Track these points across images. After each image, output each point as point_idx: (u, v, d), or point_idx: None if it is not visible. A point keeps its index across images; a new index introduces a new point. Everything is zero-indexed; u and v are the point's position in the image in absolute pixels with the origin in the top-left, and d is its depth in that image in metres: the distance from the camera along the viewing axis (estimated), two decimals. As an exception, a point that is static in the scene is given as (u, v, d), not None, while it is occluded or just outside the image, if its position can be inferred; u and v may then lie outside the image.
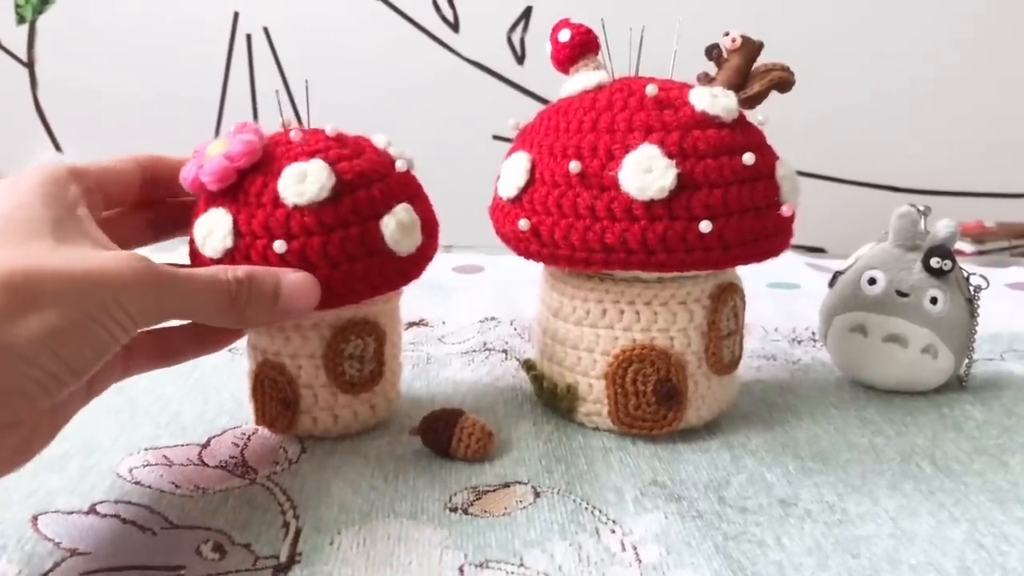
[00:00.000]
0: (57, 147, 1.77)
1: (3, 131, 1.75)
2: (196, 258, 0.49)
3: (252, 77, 1.75)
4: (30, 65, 1.75)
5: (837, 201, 1.83)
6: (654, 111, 0.49)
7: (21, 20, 1.73)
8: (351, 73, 1.71)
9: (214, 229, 0.47)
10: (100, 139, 1.77)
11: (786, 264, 0.90)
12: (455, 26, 1.72)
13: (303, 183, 0.46)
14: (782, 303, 0.79)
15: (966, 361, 0.61)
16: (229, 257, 0.47)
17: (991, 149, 1.81)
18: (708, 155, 0.48)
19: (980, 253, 1.57)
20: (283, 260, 0.46)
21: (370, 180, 0.48)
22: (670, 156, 0.47)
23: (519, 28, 1.71)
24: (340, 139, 0.50)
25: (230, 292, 0.42)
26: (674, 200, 0.47)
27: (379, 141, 0.52)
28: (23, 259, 0.35)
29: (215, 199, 0.48)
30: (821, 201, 1.81)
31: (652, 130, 0.48)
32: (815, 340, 0.70)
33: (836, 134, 1.80)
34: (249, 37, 1.75)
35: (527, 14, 1.71)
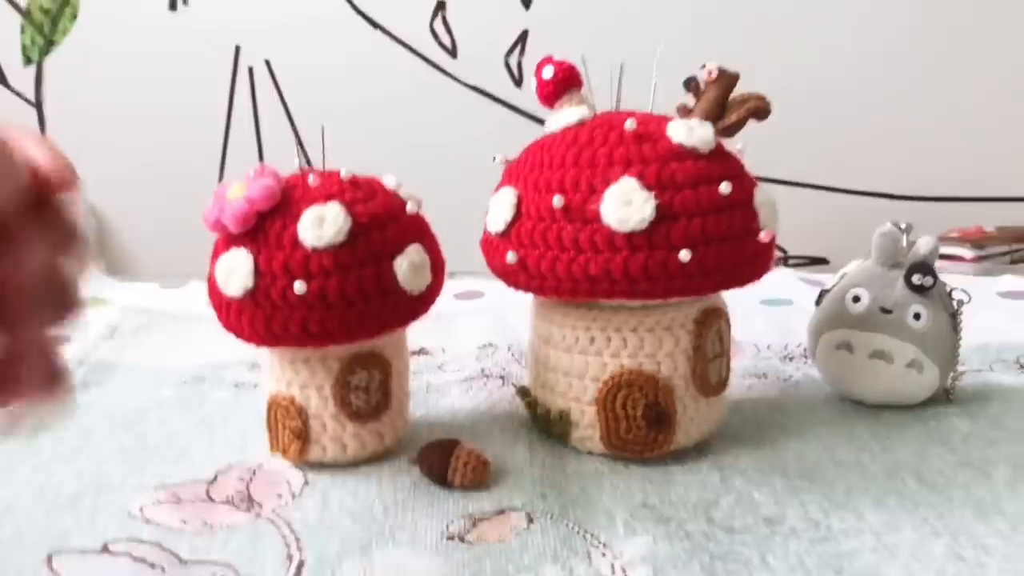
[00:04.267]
0: (67, 184, 1.80)
1: (14, 169, 1.78)
2: (216, 296, 0.51)
3: (255, 109, 1.77)
4: (38, 105, 1.78)
5: (837, 211, 1.83)
6: (633, 145, 0.51)
7: (28, 61, 1.76)
8: (352, 102, 1.73)
9: (235, 269, 0.49)
10: (109, 175, 1.80)
11: (779, 280, 0.91)
12: (453, 52, 1.75)
13: (321, 227, 0.49)
14: (775, 320, 0.81)
15: (952, 374, 0.62)
16: (250, 296, 0.49)
17: (990, 153, 1.82)
18: (686, 186, 0.50)
19: (980, 259, 1.57)
20: (302, 300, 0.48)
21: (384, 222, 0.51)
22: (649, 188, 0.49)
23: (516, 52, 1.73)
24: (354, 182, 0.52)
25: None
26: (654, 231, 0.49)
27: (390, 182, 0.54)
28: None
29: (236, 239, 0.50)
30: (821, 212, 1.82)
31: (631, 164, 0.50)
32: (806, 356, 0.72)
33: (834, 144, 1.82)
34: (251, 70, 1.77)
35: (523, 38, 1.73)
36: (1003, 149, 1.81)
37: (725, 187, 0.50)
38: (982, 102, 1.80)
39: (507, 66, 1.75)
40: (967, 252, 1.62)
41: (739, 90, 0.56)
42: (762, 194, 0.53)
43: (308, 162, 0.55)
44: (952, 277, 0.90)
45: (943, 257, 1.64)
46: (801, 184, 1.82)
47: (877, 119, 1.80)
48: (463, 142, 1.69)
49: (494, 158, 0.57)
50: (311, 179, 0.51)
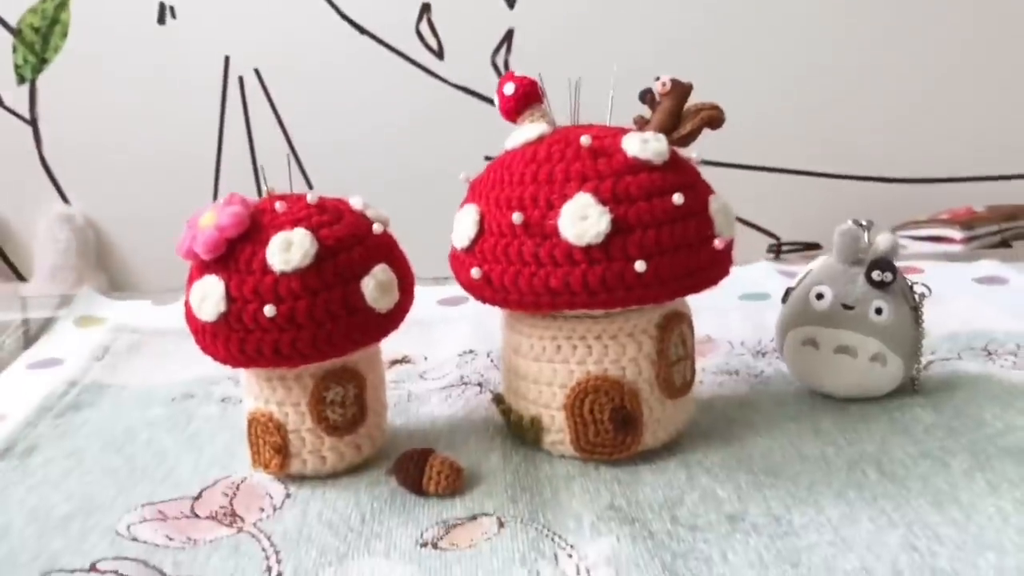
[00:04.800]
0: (64, 199, 1.83)
1: (12, 185, 1.81)
2: (191, 320, 0.53)
3: (247, 119, 1.79)
4: (33, 123, 1.81)
5: (830, 196, 1.85)
6: (589, 160, 0.52)
7: (21, 80, 1.78)
8: (342, 106, 1.75)
9: (208, 295, 0.51)
10: (105, 189, 1.83)
11: (759, 274, 0.93)
12: (439, 53, 1.77)
13: (288, 251, 0.51)
14: (750, 315, 0.82)
15: (916, 366, 0.63)
16: (223, 320, 0.51)
17: (979, 133, 1.82)
18: (640, 198, 0.51)
19: (970, 239, 1.58)
20: (273, 322, 0.50)
21: (350, 244, 0.53)
22: (604, 203, 0.51)
23: (502, 51, 1.75)
24: (321, 205, 0.54)
25: None
26: (610, 243, 0.51)
27: (356, 203, 0.56)
28: None
29: (208, 266, 0.52)
30: (815, 197, 1.83)
31: (587, 179, 0.52)
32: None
33: (823, 129, 1.83)
34: (241, 79, 1.79)
35: (509, 36, 1.75)
36: (992, 129, 1.81)
37: (678, 198, 0.51)
38: (971, 84, 1.80)
39: (494, 65, 1.77)
40: (957, 233, 1.63)
41: (694, 99, 0.58)
42: (717, 202, 0.55)
43: (265, 187, 0.56)
44: (928, 264, 0.92)
45: (933, 239, 1.65)
46: (794, 171, 1.84)
47: (867, 104, 1.82)
48: (451, 142, 1.72)
49: (461, 176, 0.59)
50: (278, 205, 0.53)
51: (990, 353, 0.71)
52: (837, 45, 1.78)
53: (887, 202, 1.79)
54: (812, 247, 1.81)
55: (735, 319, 0.81)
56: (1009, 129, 1.80)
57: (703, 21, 1.70)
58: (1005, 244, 1.64)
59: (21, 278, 1.83)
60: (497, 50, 1.75)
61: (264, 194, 0.55)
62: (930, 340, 0.65)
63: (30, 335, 0.88)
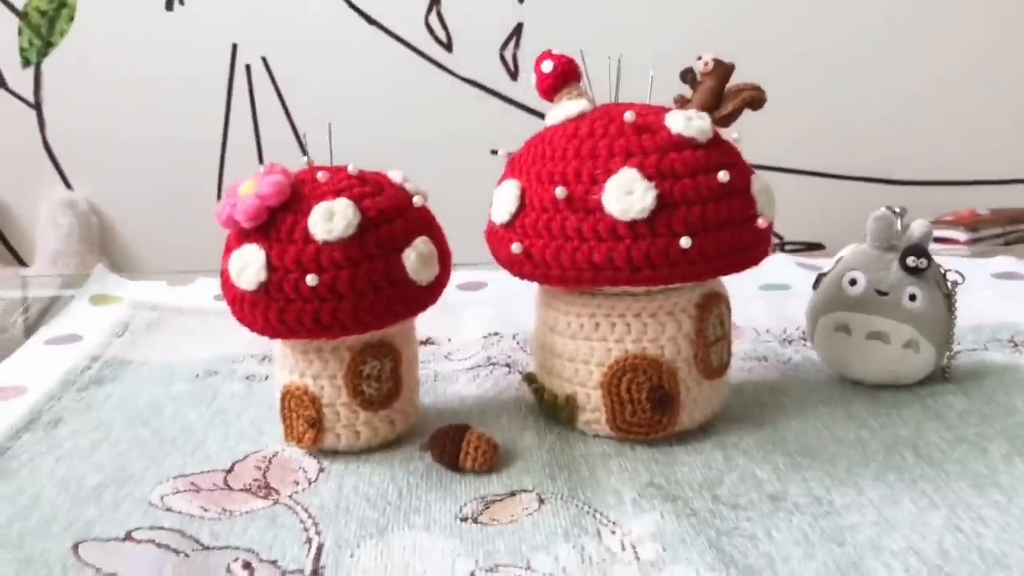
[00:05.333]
0: (68, 184, 1.81)
1: (15, 170, 1.79)
2: (228, 290, 0.53)
3: (253, 107, 1.79)
4: (37, 107, 1.80)
5: (833, 197, 1.85)
6: (633, 136, 0.52)
7: (27, 63, 1.77)
8: (349, 97, 1.75)
9: (249, 263, 0.51)
10: (109, 174, 1.81)
11: (777, 265, 0.93)
12: (448, 46, 1.76)
13: (331, 221, 0.50)
14: (773, 304, 0.82)
15: (947, 353, 0.63)
16: (264, 289, 0.50)
17: (983, 137, 1.83)
18: (685, 175, 0.51)
19: (974, 241, 1.59)
20: (314, 292, 0.50)
21: (391, 216, 0.52)
22: (649, 178, 0.50)
23: (511, 44, 1.75)
24: (362, 177, 0.54)
25: None
26: (655, 219, 0.50)
27: (396, 177, 0.56)
28: None
29: (248, 235, 0.52)
30: (818, 197, 1.83)
31: (632, 154, 0.51)
32: (805, 340, 0.73)
33: (830, 131, 1.83)
34: (248, 68, 1.79)
35: (518, 30, 1.75)
36: (995, 133, 1.82)
37: (723, 175, 0.51)
38: (975, 88, 1.81)
39: (502, 59, 1.77)
40: (961, 235, 1.63)
41: (735, 80, 0.58)
42: (759, 182, 0.54)
43: (304, 153, 0.56)
44: (946, 259, 0.92)
45: (938, 240, 1.66)
46: (798, 171, 1.84)
47: (872, 106, 1.82)
48: (459, 135, 1.71)
49: (495, 152, 0.58)
50: (320, 175, 0.52)
51: (1016, 344, 0.71)
52: (840, 46, 1.79)
53: (891, 204, 1.80)
54: (815, 247, 1.81)
55: (759, 308, 0.81)
56: (1013, 133, 1.81)
57: (705, 21, 1.70)
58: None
59: (22, 263, 1.81)
60: (506, 44, 1.75)
61: (305, 164, 0.55)
62: (957, 330, 0.65)
63: (31, 316, 0.87)
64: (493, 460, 0.53)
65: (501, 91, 1.73)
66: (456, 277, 0.93)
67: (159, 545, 0.46)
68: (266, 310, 0.51)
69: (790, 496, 0.50)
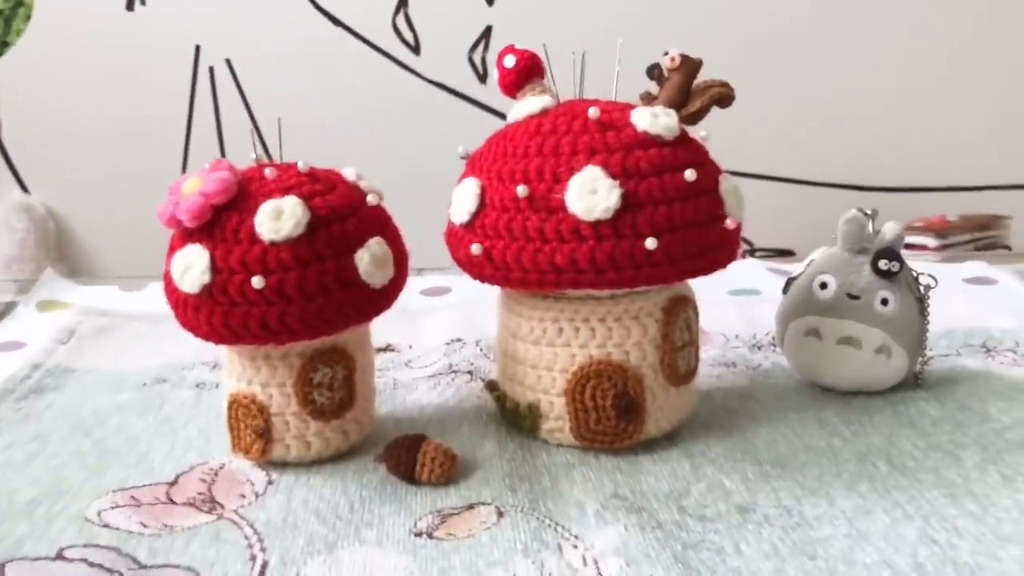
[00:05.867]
0: (24, 188, 1.77)
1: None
2: (171, 293, 0.50)
3: (216, 110, 1.75)
4: (-7, 107, 1.75)
5: (803, 203, 1.85)
6: (597, 133, 0.50)
7: (-18, 63, 1.72)
8: (316, 100, 1.72)
9: (192, 264, 0.48)
10: (67, 178, 1.77)
11: (747, 270, 0.91)
12: (416, 49, 1.74)
13: (279, 219, 0.48)
14: (743, 309, 0.80)
15: (920, 359, 0.62)
16: (207, 292, 0.48)
17: (953, 143, 1.84)
18: (651, 174, 0.49)
19: (943, 247, 1.59)
20: (261, 295, 0.47)
21: (343, 215, 0.50)
22: (614, 177, 0.48)
23: (480, 47, 1.73)
24: (312, 174, 0.51)
25: None
26: (620, 219, 0.48)
27: (349, 175, 0.53)
28: None
29: (192, 235, 0.49)
30: (788, 204, 1.83)
31: (596, 152, 0.49)
32: (775, 345, 0.72)
33: (799, 137, 1.83)
34: (212, 70, 1.75)
35: (487, 33, 1.73)
36: (965, 140, 1.83)
37: (690, 174, 0.49)
38: (944, 94, 1.82)
39: (471, 62, 1.75)
40: (931, 241, 1.64)
41: (702, 77, 0.56)
42: (727, 181, 0.53)
43: (268, 155, 0.54)
44: (917, 264, 0.91)
45: (908, 247, 1.66)
46: (767, 177, 1.84)
47: (842, 112, 1.82)
48: (427, 139, 1.69)
49: (460, 149, 0.56)
50: (268, 172, 0.50)
51: (989, 350, 0.70)
52: (812, 54, 1.79)
53: (861, 206, 1.80)
54: (784, 253, 1.81)
55: (728, 313, 0.79)
56: (982, 141, 1.82)
57: (680, 26, 1.70)
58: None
59: (-24, 268, 1.76)
60: (475, 47, 1.73)
61: (254, 161, 0.52)
62: (929, 336, 0.63)
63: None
64: (450, 472, 0.51)
65: (469, 94, 1.71)
66: (420, 282, 0.91)
67: (91, 564, 0.44)
68: (210, 314, 0.48)
69: (759, 507, 0.48)
